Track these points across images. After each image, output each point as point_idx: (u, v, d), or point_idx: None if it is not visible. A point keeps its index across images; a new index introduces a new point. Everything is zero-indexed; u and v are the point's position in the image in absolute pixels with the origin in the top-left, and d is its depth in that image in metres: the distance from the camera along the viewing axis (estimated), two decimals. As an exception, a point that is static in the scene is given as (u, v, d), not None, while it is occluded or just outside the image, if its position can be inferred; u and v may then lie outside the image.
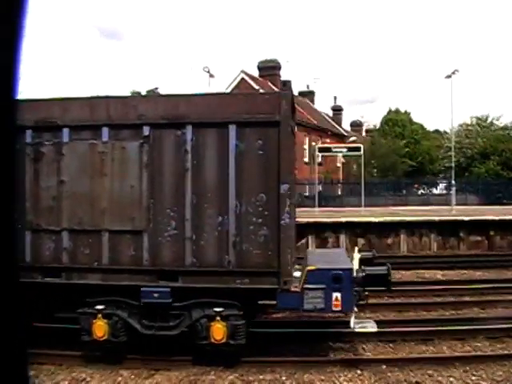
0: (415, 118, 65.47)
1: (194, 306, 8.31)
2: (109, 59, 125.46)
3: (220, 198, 8.08)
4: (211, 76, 29.90)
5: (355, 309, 8.46)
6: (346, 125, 69.32)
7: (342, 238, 21.10)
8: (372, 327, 9.08)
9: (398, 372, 8.19)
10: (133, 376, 8.28)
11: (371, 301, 10.18)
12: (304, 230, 21.08)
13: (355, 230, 21.21)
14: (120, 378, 8.20)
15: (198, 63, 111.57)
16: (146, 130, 8.31)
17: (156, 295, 8.21)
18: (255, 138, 8.04)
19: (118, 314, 8.43)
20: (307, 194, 39.25)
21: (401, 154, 55.56)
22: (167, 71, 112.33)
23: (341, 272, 8.09)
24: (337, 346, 9.37)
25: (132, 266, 8.25)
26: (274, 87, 48.05)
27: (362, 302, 8.90)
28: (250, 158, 8.04)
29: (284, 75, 50.25)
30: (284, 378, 8.09)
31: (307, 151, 46.57)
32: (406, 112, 65.14)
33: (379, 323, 9.68)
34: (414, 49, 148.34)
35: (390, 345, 9.51)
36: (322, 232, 21.19)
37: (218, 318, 8.15)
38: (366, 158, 33.78)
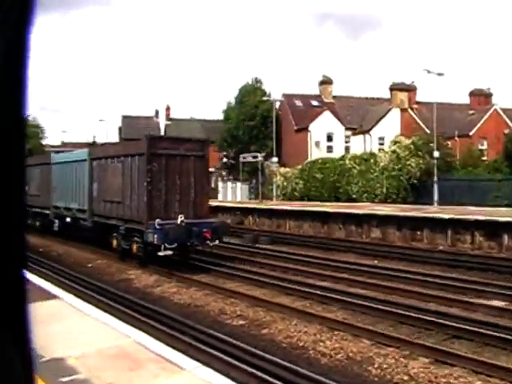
0: None
1: (131, 236, 20.46)
2: None
3: (135, 187, 20.31)
4: None
5: (166, 244, 18.47)
6: None
7: None
8: (168, 253, 18.72)
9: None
10: None
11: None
12: None
13: None
14: None
15: None
16: (122, 158, 21.51)
17: (122, 229, 21.10)
18: (141, 160, 20.09)
19: (117, 237, 21.64)
20: None
21: None
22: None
23: (155, 224, 18.59)
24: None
25: (119, 216, 21.41)
26: None
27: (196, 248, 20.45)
28: (140, 170, 20.07)
29: None
30: None
31: None
32: None
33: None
34: None
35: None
36: None
37: (135, 243, 20.23)
38: None
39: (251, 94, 56.85)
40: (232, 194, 54.61)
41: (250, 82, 58.98)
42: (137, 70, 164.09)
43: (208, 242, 19.80)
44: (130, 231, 20.80)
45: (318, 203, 35.91)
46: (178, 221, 19.17)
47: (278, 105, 55.20)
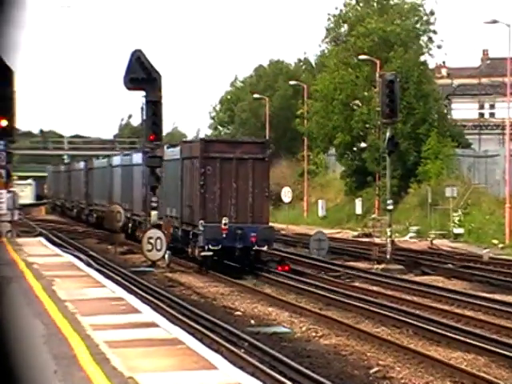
0: None
1: (196, 241, 22.62)
2: None
3: (195, 190, 23.19)
4: None
5: (210, 246, 21.66)
6: None
7: None
8: (207, 253, 21.84)
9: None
10: None
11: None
12: None
13: None
14: None
15: None
16: (192, 159, 24.12)
17: (191, 235, 23.14)
18: (197, 163, 22.66)
19: (191, 244, 23.43)
20: None
21: None
22: None
23: (199, 226, 22.17)
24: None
25: (190, 221, 23.60)
26: None
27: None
28: (198, 172, 22.44)
29: None
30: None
31: None
32: None
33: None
34: None
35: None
36: None
37: (196, 248, 22.72)
38: None
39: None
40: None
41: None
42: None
43: (255, 246, 21.50)
44: (195, 236, 22.64)
45: None
46: (222, 223, 21.06)
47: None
